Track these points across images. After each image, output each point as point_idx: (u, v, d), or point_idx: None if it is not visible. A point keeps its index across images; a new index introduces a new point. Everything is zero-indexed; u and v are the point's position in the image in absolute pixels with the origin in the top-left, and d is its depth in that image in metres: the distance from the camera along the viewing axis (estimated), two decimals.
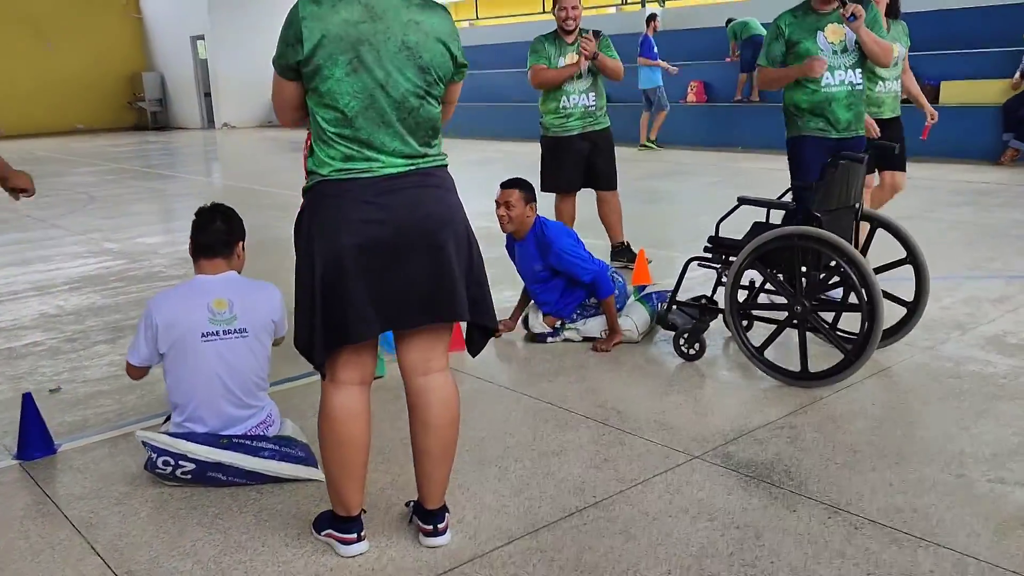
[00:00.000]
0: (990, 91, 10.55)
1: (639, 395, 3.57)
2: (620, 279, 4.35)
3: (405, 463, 2.80)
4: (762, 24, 13.21)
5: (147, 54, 25.25)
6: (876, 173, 5.22)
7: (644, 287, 4.66)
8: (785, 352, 3.78)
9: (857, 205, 3.85)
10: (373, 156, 2.28)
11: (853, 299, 3.61)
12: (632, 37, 13.35)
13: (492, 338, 2.57)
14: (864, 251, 4.00)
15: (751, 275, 3.86)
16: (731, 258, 3.84)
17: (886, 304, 3.53)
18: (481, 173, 10.89)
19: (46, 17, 22.93)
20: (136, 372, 3.03)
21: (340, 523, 2.45)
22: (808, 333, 3.57)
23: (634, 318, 4.22)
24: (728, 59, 14.28)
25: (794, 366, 3.59)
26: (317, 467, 2.84)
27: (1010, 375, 3.62)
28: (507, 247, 4.41)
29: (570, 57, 5.41)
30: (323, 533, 2.50)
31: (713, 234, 3.96)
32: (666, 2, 17.74)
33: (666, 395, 3.56)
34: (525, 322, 4.39)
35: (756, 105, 13.34)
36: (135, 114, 25.00)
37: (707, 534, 2.49)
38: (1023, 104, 10.09)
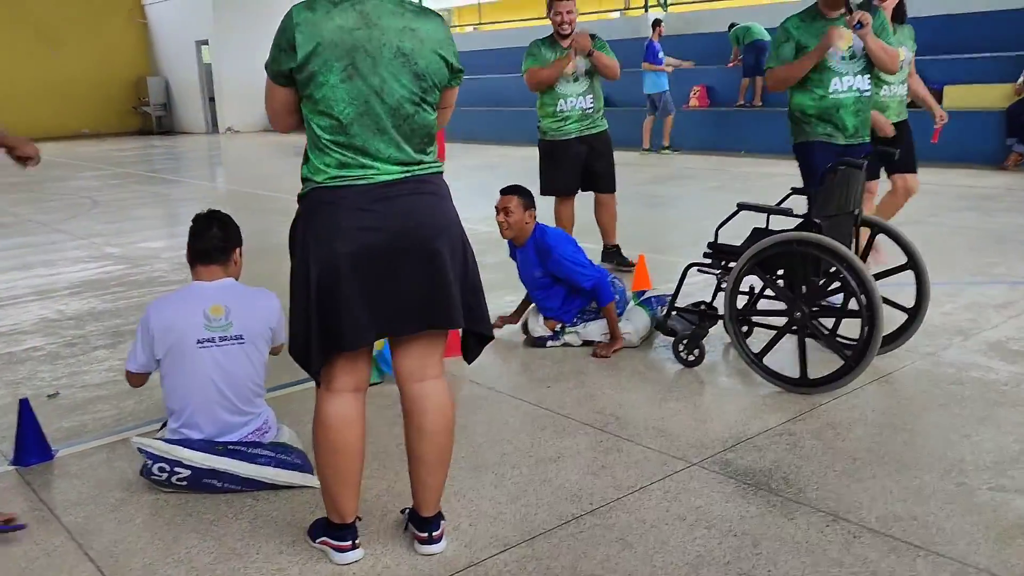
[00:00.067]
0: (994, 95, 10.53)
1: (638, 401, 3.56)
2: (620, 284, 4.34)
3: (401, 470, 2.79)
4: (765, 29, 13.21)
5: (152, 59, 25.35)
6: (878, 179, 5.19)
7: (644, 292, 4.64)
8: (785, 358, 3.76)
9: (857, 211, 3.84)
10: (368, 163, 2.28)
11: (853, 305, 3.59)
12: (635, 42, 13.36)
13: (488, 344, 2.55)
14: (864, 256, 3.98)
15: (751, 281, 3.84)
16: (730, 264, 3.82)
17: (887, 310, 3.52)
18: (484, 178, 10.90)
19: (52, 22, 23.04)
20: (135, 379, 3.02)
21: (335, 530, 2.44)
22: (808, 339, 3.56)
23: (634, 323, 4.20)
24: (731, 64, 14.27)
25: (794, 372, 3.57)
26: (313, 474, 2.83)
27: (1012, 382, 3.60)
28: (510, 253, 4.41)
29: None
30: (318, 541, 2.49)
31: (712, 240, 3.95)
32: (669, 7, 17.75)
33: (665, 401, 3.55)
34: (525, 326, 4.38)
35: (759, 110, 13.33)
36: (140, 118, 25.09)
37: (704, 542, 2.47)
38: None
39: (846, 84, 4.08)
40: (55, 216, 9.51)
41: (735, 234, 3.91)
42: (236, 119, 22.89)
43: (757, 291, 3.94)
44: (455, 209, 2.44)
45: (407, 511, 2.56)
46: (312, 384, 3.15)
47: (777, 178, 8.54)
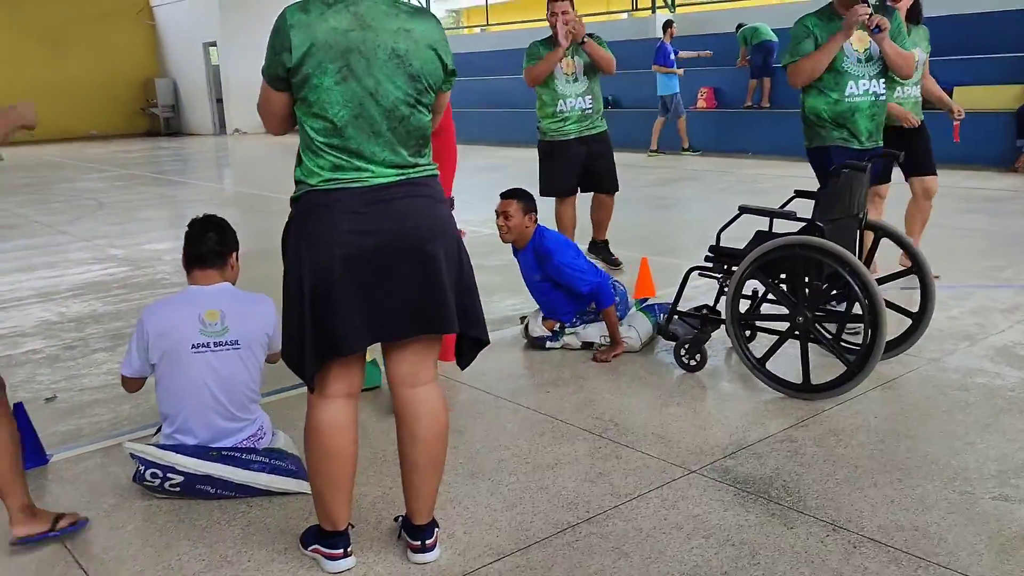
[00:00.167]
0: (1003, 96, 10.44)
1: (638, 406, 3.52)
2: (621, 288, 4.31)
3: (397, 476, 2.74)
4: (772, 29, 13.14)
5: (160, 60, 25.42)
6: (888, 183, 5.11)
7: (646, 300, 4.59)
8: (787, 363, 3.71)
9: (861, 214, 3.79)
10: (363, 166, 2.25)
11: (857, 309, 3.54)
12: (642, 43, 13.31)
13: (483, 349, 2.52)
14: (868, 261, 3.93)
15: (754, 285, 3.80)
16: (732, 268, 3.78)
17: (892, 315, 3.47)
18: (490, 179, 10.86)
19: (61, 24, 23.12)
20: (130, 384, 3.00)
21: (327, 538, 2.41)
22: (811, 344, 3.51)
23: (636, 327, 4.17)
24: (738, 64, 14.19)
25: (796, 378, 3.52)
26: (307, 480, 2.80)
27: (1018, 388, 3.55)
28: (514, 253, 4.38)
29: (566, 63, 5.43)
30: (310, 548, 2.46)
31: (714, 243, 3.91)
32: (677, 8, 17.69)
33: (665, 407, 3.51)
34: (526, 328, 4.35)
35: (766, 111, 13.26)
36: (148, 120, 25.16)
37: (701, 552, 2.43)
38: None
39: (862, 88, 4.01)
40: (60, 218, 9.53)
41: (740, 236, 3.87)
42: (243, 121, 22.91)
43: (760, 295, 3.90)
44: (451, 212, 2.41)
45: (400, 519, 2.53)
46: None
47: (786, 179, 8.48)
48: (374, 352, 3.26)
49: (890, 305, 3.62)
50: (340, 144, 2.23)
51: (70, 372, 4.24)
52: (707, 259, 3.92)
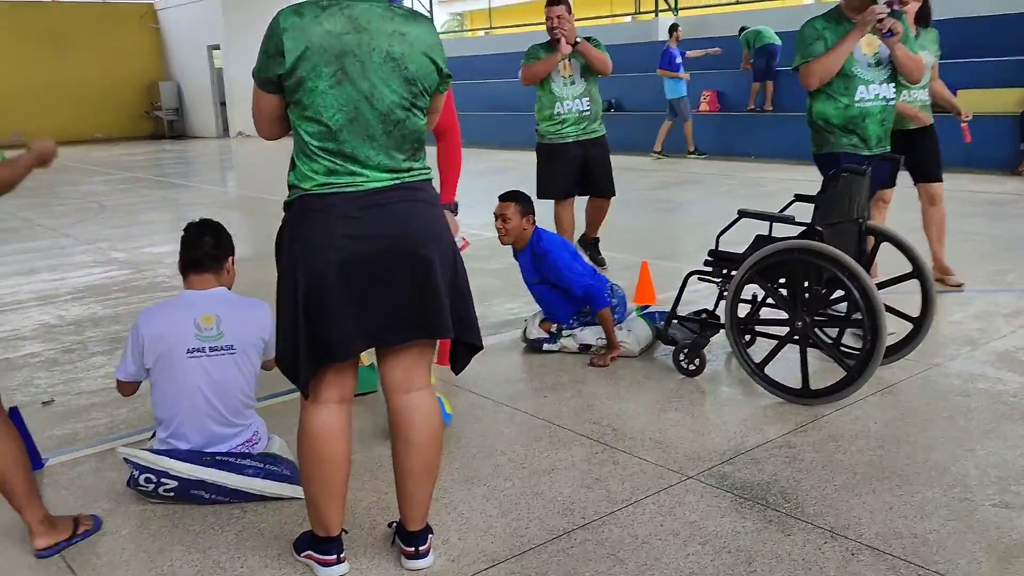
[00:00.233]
0: (1007, 100, 10.40)
1: (636, 411, 3.50)
2: (620, 291, 4.29)
3: (391, 481, 2.72)
4: (775, 33, 13.12)
5: (164, 63, 25.48)
6: (893, 188, 5.08)
7: (647, 307, 4.57)
8: (787, 368, 3.69)
9: (862, 219, 3.77)
10: (357, 170, 2.23)
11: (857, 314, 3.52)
12: (645, 46, 13.30)
13: (477, 354, 2.50)
14: (868, 265, 3.90)
15: (753, 289, 3.77)
16: (732, 272, 3.76)
17: (892, 320, 3.44)
18: (491, 182, 10.84)
19: (66, 28, 23.19)
20: (125, 388, 2.99)
21: (320, 544, 2.39)
22: (810, 349, 3.49)
23: (634, 332, 4.14)
24: (741, 68, 14.18)
25: (795, 383, 3.50)
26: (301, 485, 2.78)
27: (1020, 393, 3.52)
28: (514, 254, 4.37)
29: (563, 65, 5.44)
30: (303, 554, 2.45)
31: (714, 247, 3.89)
32: (680, 11, 17.68)
33: (663, 412, 3.48)
34: (524, 330, 4.34)
35: (769, 114, 13.24)
36: (152, 123, 25.21)
37: (697, 559, 2.41)
38: None
39: (872, 92, 3.98)
40: (63, 221, 9.54)
41: (740, 240, 3.85)
42: (246, 123, 22.90)
43: (759, 300, 3.87)
44: (445, 216, 2.40)
45: (394, 524, 2.51)
46: None
47: (789, 183, 8.44)
48: (372, 357, 3.24)
49: (890, 310, 3.59)
50: (335, 148, 2.22)
51: (68, 376, 4.23)
52: (706, 263, 3.91)
